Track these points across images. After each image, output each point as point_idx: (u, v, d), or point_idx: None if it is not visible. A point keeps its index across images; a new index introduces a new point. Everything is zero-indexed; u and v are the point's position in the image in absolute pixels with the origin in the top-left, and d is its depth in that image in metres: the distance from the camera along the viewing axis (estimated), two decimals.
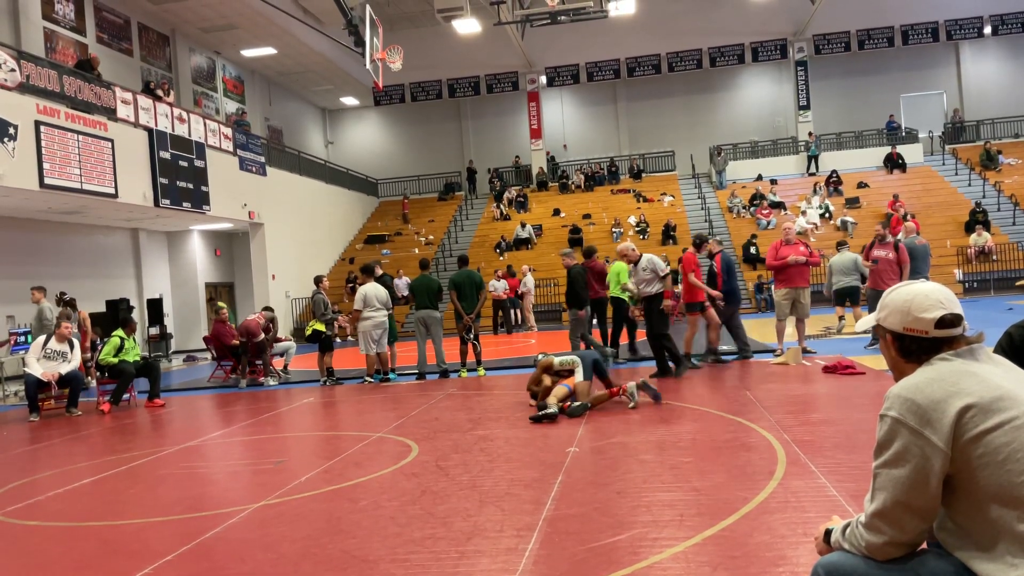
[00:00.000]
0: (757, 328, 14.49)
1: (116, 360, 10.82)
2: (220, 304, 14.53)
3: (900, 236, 12.40)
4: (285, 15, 20.77)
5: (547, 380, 8.01)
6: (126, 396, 11.11)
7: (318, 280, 12.91)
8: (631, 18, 27.30)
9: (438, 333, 11.60)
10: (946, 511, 1.88)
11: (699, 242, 11.02)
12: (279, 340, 13.72)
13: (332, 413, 9.36)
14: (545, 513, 4.37)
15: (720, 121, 31.90)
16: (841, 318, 13.66)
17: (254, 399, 10.96)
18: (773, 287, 11.08)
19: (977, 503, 1.81)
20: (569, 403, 7.51)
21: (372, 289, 11.52)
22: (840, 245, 13.43)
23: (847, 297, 12.87)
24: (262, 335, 12.75)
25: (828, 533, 2.12)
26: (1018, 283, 12.97)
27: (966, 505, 1.83)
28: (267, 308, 13.94)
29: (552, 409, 7.26)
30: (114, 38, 21.08)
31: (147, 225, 20.26)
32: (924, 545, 1.97)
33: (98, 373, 11.15)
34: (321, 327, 12.07)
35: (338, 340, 13.20)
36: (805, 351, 10.65)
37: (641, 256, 9.80)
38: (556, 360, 8.07)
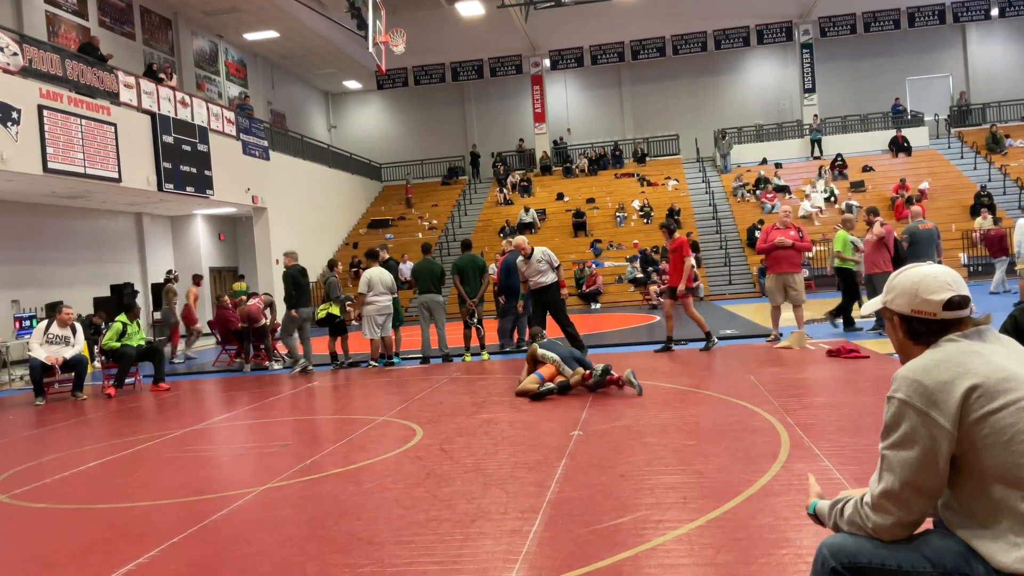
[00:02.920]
0: (759, 312, 14.47)
1: (118, 345, 10.86)
2: (238, 287, 14.85)
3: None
4: None
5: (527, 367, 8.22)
6: (131, 380, 11.15)
7: (332, 264, 13.00)
8: (635, 0, 27.11)
9: (441, 318, 11.60)
10: (950, 490, 1.89)
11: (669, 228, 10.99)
12: (277, 325, 13.76)
13: (336, 397, 9.39)
14: (549, 496, 4.39)
15: (725, 104, 31.74)
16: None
17: (258, 383, 11.00)
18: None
19: (981, 483, 1.81)
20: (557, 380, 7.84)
21: (376, 273, 11.51)
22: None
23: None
24: (263, 320, 12.78)
25: (814, 515, 2.15)
26: (1017, 267, 12.91)
27: (970, 485, 1.84)
28: (266, 293, 14.01)
29: (548, 386, 7.63)
30: (116, 21, 21.00)
31: (151, 209, 20.25)
32: (928, 523, 1.98)
33: (103, 357, 11.18)
34: (336, 310, 12.07)
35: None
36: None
37: (534, 249, 10.40)
38: (539, 352, 8.19)
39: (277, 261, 22.00)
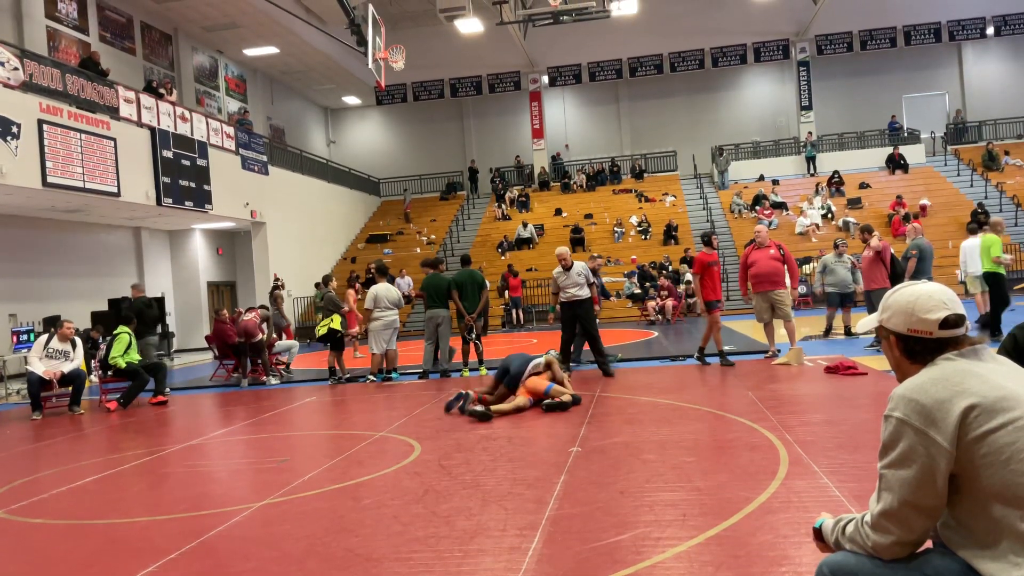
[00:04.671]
0: (757, 328, 14.46)
1: (124, 363, 10.81)
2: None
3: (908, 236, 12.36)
4: (288, 14, 20.80)
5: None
6: None
7: (327, 280, 13.07)
8: (633, 18, 27.29)
9: (446, 333, 11.59)
10: (949, 510, 1.89)
11: (707, 240, 11.03)
12: (274, 340, 13.78)
13: (334, 412, 9.37)
14: (548, 512, 4.38)
15: (722, 121, 31.89)
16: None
17: (256, 398, 10.97)
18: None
19: (980, 502, 1.81)
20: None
21: (383, 289, 11.52)
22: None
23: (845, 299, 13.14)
24: (260, 335, 12.76)
25: (818, 530, 2.14)
26: (1017, 287, 12.92)
27: (969, 504, 1.84)
28: (263, 307, 14.03)
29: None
30: (117, 37, 21.10)
31: (149, 224, 20.28)
32: (928, 543, 1.98)
33: (101, 371, 11.15)
34: (337, 324, 12.08)
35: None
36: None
37: (573, 263, 10.42)
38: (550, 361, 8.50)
39: (275, 276, 22.02)
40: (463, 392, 8.10)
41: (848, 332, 13.12)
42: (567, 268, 10.31)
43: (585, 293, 10.32)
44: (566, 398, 7.82)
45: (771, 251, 10.57)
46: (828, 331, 13.30)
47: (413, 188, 32.51)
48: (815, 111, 30.66)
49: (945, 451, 1.81)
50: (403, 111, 34.09)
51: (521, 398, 7.94)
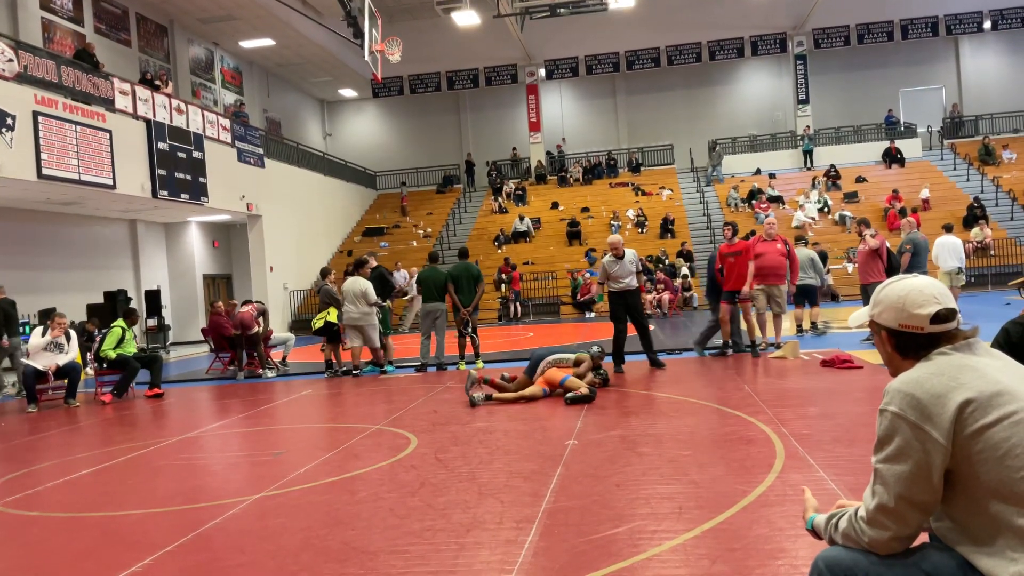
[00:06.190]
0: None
1: (115, 354, 10.80)
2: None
3: (903, 230, 12.37)
4: (284, 6, 20.72)
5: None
6: None
7: (325, 272, 13.00)
8: (630, 11, 27.21)
9: (443, 326, 11.57)
10: (945, 506, 1.88)
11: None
12: (270, 333, 13.76)
13: (330, 405, 9.36)
14: (544, 505, 4.39)
15: (719, 115, 31.86)
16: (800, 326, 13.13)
17: (252, 391, 10.96)
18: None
19: (976, 498, 1.80)
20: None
21: (349, 284, 11.40)
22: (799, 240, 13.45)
23: (804, 296, 12.79)
24: (256, 328, 12.74)
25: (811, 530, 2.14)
26: (1011, 283, 12.93)
27: (965, 500, 1.83)
28: (258, 301, 14.01)
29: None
30: (112, 28, 21.00)
31: (145, 216, 20.23)
32: (924, 536, 1.98)
33: (96, 364, 11.13)
34: (333, 318, 12.03)
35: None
36: (777, 346, 10.62)
37: (625, 251, 10.12)
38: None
39: (271, 269, 22.00)
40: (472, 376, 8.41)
41: (814, 327, 12.91)
42: (619, 257, 9.96)
43: (635, 283, 10.06)
44: (584, 391, 7.77)
45: (778, 245, 10.63)
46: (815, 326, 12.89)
47: (410, 181, 32.45)
48: (812, 105, 30.66)
49: (941, 446, 1.80)
50: (399, 104, 34.01)
51: (535, 387, 8.00)
